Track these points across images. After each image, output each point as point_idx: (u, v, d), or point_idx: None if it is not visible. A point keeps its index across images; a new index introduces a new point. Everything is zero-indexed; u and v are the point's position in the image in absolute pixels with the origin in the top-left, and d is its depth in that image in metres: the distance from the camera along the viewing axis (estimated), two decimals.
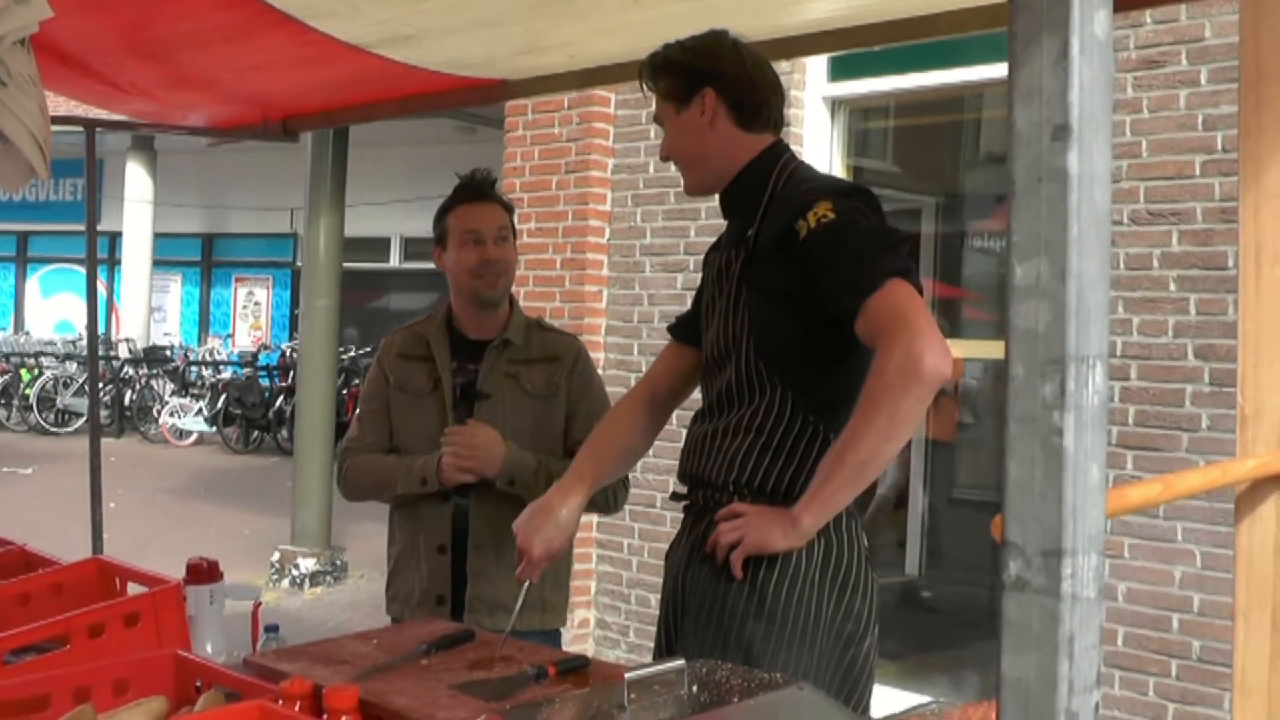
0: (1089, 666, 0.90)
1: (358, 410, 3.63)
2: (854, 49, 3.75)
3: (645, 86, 2.80)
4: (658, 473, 6.60)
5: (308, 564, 9.58)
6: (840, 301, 2.40)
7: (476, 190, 3.45)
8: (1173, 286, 5.24)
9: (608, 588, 7.29)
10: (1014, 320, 0.92)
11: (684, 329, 2.96)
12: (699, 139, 2.70)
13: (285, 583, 9.55)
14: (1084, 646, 0.90)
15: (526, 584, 2.77)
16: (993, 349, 6.60)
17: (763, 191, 2.65)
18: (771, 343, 2.57)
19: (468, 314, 3.49)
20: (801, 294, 2.49)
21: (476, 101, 4.39)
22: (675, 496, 2.82)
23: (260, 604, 2.93)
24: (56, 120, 3.36)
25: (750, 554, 2.50)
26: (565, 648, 3.57)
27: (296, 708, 1.92)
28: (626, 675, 1.91)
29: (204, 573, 2.74)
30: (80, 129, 4.83)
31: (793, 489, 2.52)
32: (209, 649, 2.67)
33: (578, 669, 2.34)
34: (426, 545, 3.40)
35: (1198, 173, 5.19)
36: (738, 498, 2.59)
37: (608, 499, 3.38)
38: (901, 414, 2.31)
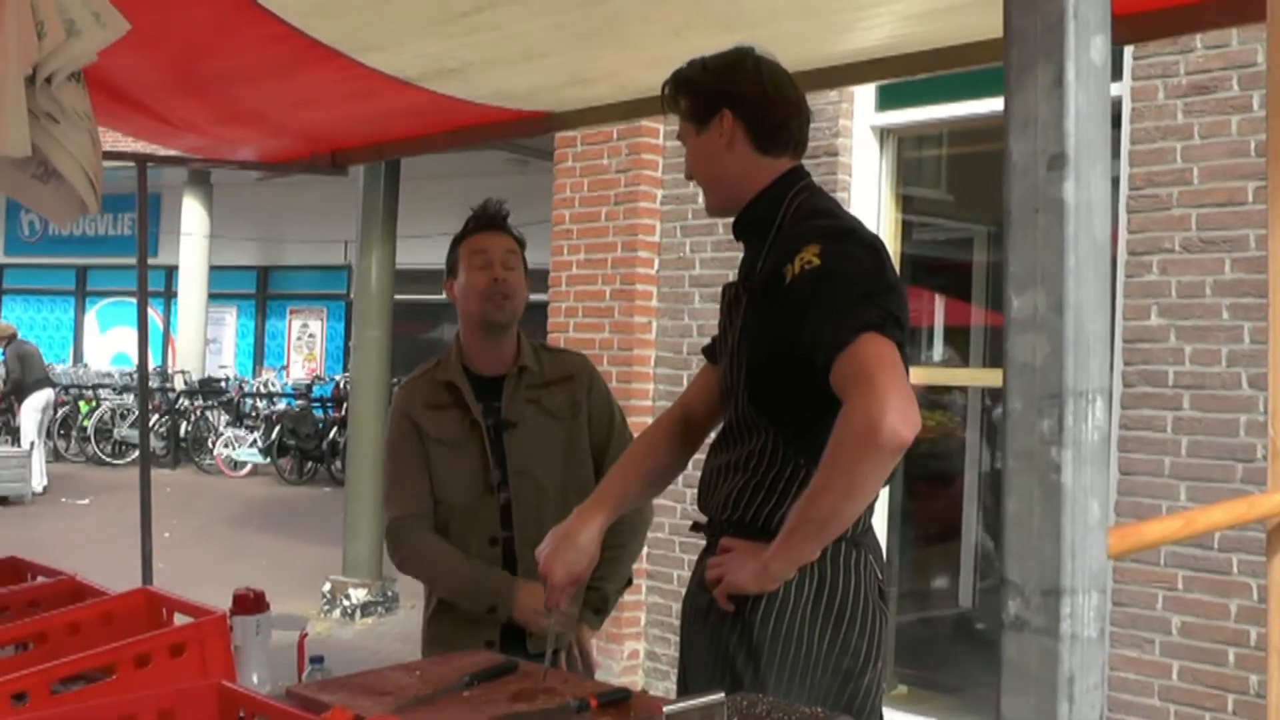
0: (1090, 709, 0.88)
1: (392, 474, 3.47)
2: (899, 78, 3.72)
3: (665, 106, 2.76)
4: None
5: (359, 594, 9.63)
6: (815, 353, 2.34)
7: (488, 221, 3.47)
8: (1226, 315, 5.17)
9: (657, 619, 7.27)
10: (1011, 353, 0.90)
11: (717, 351, 2.88)
12: (717, 160, 2.65)
13: (336, 613, 9.60)
14: (1084, 688, 0.88)
15: (555, 611, 2.75)
16: None
17: (772, 222, 2.60)
18: (764, 387, 2.54)
19: (479, 346, 3.45)
20: (790, 339, 2.42)
21: (523, 133, 4.40)
22: (695, 527, 2.82)
23: (306, 635, 2.94)
24: (109, 156, 3.41)
25: (727, 593, 2.51)
26: (615, 679, 3.56)
27: None
28: (665, 709, 1.91)
29: (250, 603, 2.76)
30: (132, 164, 4.90)
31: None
32: (254, 679, 2.68)
33: (619, 701, 2.34)
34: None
35: (1250, 199, 5.12)
36: (733, 534, 2.58)
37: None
38: (859, 478, 2.28)
